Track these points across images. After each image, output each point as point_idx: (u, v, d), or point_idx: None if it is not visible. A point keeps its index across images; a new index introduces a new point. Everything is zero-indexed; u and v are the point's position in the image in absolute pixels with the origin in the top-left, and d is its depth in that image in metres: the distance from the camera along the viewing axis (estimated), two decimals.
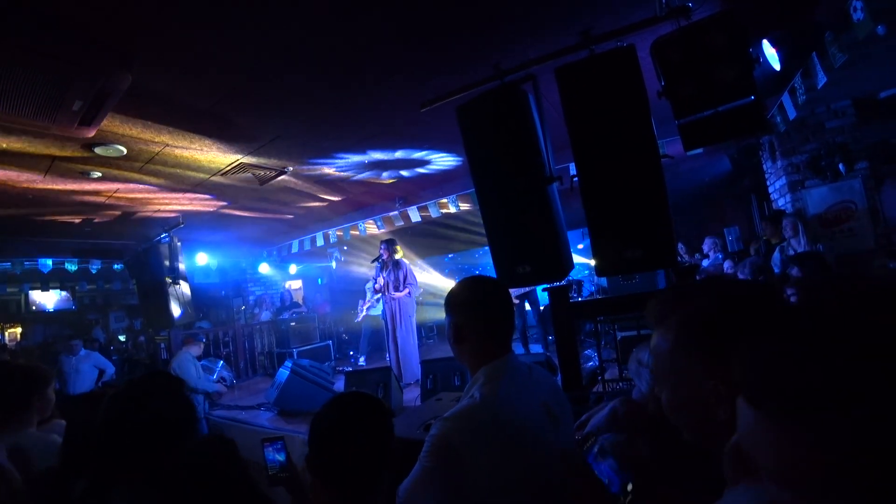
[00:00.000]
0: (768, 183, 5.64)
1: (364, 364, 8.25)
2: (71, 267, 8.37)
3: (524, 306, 7.09)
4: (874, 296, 0.48)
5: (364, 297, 8.86)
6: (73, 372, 6.78)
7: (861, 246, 4.63)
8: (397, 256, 6.44)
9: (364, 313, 8.63)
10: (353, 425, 1.20)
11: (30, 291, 11.95)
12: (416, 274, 6.65)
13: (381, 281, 6.36)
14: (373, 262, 6.65)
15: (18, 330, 12.04)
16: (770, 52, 3.40)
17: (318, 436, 1.20)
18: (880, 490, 0.42)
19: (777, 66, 3.46)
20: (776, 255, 4.78)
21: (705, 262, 6.52)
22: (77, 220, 6.42)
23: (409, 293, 6.27)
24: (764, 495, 0.53)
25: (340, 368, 7.98)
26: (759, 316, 0.70)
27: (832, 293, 0.51)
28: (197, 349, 6.25)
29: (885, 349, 0.43)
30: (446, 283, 10.99)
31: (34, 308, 12.14)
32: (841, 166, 4.68)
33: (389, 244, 6.39)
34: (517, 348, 7.06)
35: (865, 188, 4.65)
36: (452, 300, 1.46)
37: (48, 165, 4.26)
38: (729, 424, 0.56)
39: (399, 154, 5.24)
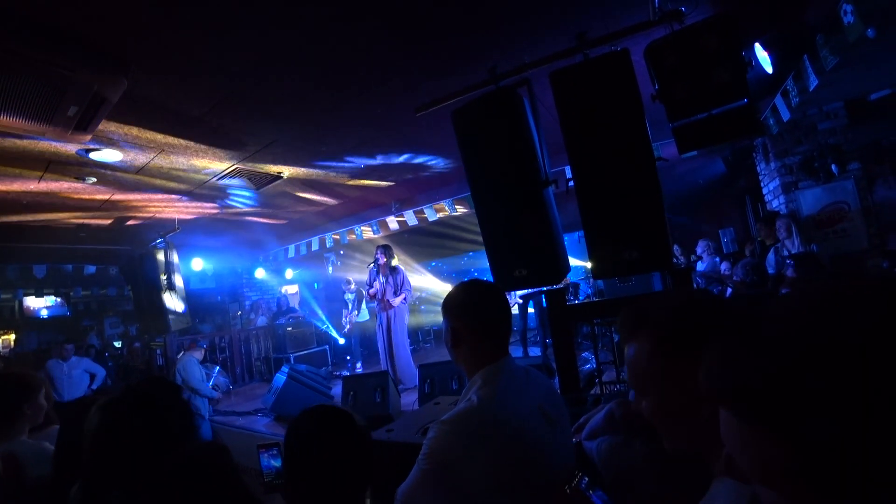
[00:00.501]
0: (762, 184, 5.68)
1: (361, 369, 8.24)
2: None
3: (526, 308, 7.08)
4: (865, 293, 0.48)
5: (346, 307, 8.88)
6: (64, 378, 6.73)
7: (855, 246, 4.67)
8: (394, 262, 6.43)
9: (350, 325, 8.66)
10: (321, 441, 1.17)
11: (24, 297, 11.87)
12: (411, 278, 6.67)
13: (376, 286, 6.35)
14: (368, 266, 6.64)
15: (12, 336, 11.95)
16: (762, 55, 3.44)
17: (288, 452, 1.19)
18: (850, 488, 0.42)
19: (769, 69, 3.49)
20: (770, 256, 4.82)
21: (700, 265, 6.53)
22: (72, 225, 6.39)
23: (404, 299, 6.26)
24: (745, 490, 0.52)
25: (337, 373, 7.97)
26: (727, 318, 0.74)
27: (822, 290, 0.50)
28: (199, 354, 6.26)
29: (835, 348, 0.43)
30: (443, 287, 11.00)
31: (28, 314, 12.05)
32: (833, 167, 4.72)
33: (386, 250, 6.38)
34: (516, 351, 7.07)
35: (858, 189, 4.69)
36: (449, 304, 1.47)
37: (43, 171, 4.24)
38: (712, 423, 0.56)
39: (395, 158, 5.25)
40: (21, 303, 11.90)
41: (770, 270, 4.54)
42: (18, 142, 3.56)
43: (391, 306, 6.17)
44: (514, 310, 7.36)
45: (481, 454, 1.19)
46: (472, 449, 1.19)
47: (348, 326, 8.70)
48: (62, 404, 5.80)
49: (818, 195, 4.86)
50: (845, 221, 4.74)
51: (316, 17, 2.59)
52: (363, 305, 8.87)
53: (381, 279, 6.28)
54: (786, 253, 4.50)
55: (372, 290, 6.42)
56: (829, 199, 4.82)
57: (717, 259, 6.46)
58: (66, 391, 6.68)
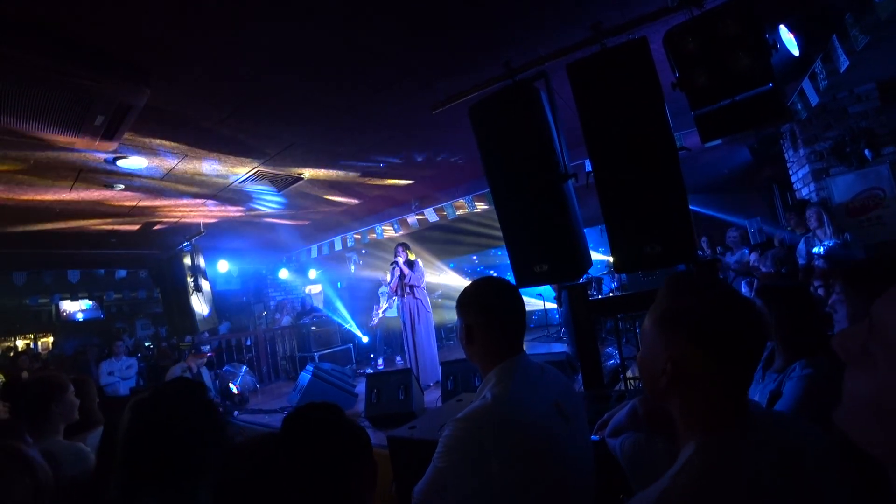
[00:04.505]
0: (791, 172, 5.50)
1: (382, 366, 8.31)
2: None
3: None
4: None
5: (378, 303, 8.95)
6: (126, 371, 7.10)
7: (891, 234, 4.48)
8: (412, 258, 6.52)
9: (380, 316, 8.72)
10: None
11: (60, 301, 12.31)
12: (433, 276, 6.74)
13: (394, 283, 6.48)
14: (391, 264, 6.73)
15: (50, 339, 12.41)
16: (788, 37, 3.32)
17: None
18: None
19: (796, 52, 3.37)
20: (801, 246, 4.66)
21: (729, 257, 6.36)
22: (103, 231, 6.60)
23: (423, 292, 6.38)
24: None
25: (361, 371, 8.04)
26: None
27: None
28: (197, 362, 6.31)
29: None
30: (465, 284, 10.99)
31: (64, 317, 12.51)
32: (867, 152, 4.53)
33: (405, 246, 6.49)
34: (539, 347, 7.03)
35: (893, 174, 4.49)
36: (463, 301, 1.46)
37: (74, 180, 4.39)
38: (667, 390, 0.88)
39: (413, 156, 5.26)
40: (57, 307, 12.34)
41: (800, 261, 4.40)
42: (51, 153, 3.68)
43: (415, 296, 6.29)
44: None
45: (496, 451, 1.18)
46: (486, 446, 1.19)
47: (376, 320, 8.78)
48: (120, 399, 6.13)
49: (851, 182, 4.68)
50: (880, 208, 4.55)
51: (328, 22, 2.61)
52: (394, 302, 8.99)
53: (403, 272, 6.40)
54: (816, 243, 4.35)
55: (393, 284, 6.54)
56: (862, 186, 4.63)
57: (746, 250, 6.28)
58: (122, 386, 7.02)
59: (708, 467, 0.77)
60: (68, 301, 12.40)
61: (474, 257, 13.40)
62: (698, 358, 0.84)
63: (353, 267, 11.85)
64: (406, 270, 6.36)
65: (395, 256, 6.45)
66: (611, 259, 7.88)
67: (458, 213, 6.98)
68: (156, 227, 6.76)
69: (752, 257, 5.77)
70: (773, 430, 0.84)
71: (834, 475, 0.79)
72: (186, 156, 4.22)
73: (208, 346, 6.97)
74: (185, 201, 5.69)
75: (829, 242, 4.16)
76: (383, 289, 9.07)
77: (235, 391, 6.64)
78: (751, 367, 0.88)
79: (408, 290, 6.36)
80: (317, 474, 1.01)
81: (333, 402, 1.16)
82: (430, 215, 7.12)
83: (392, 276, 6.58)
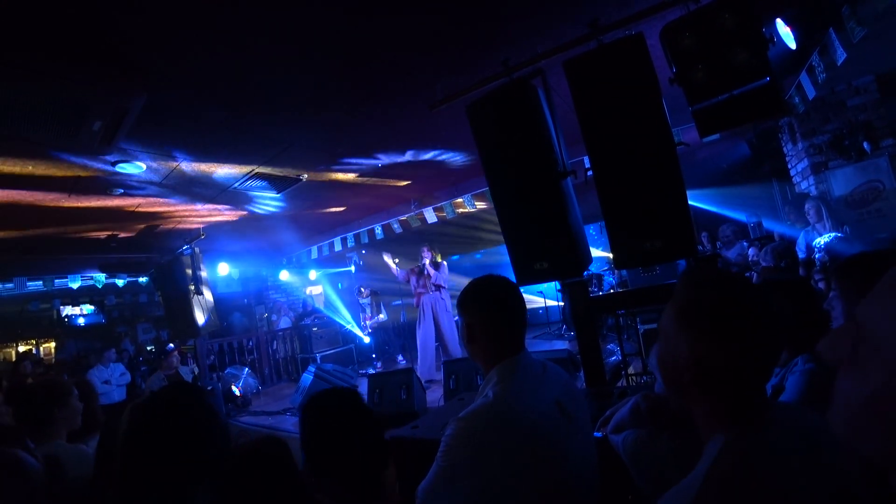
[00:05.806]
0: (790, 166, 5.50)
1: (380, 367, 8.36)
2: (99, 280, 8.61)
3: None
4: None
5: (363, 312, 8.97)
6: (113, 380, 7.10)
7: (891, 226, 4.49)
8: (437, 258, 6.70)
9: (369, 329, 8.79)
10: (332, 419, 1.29)
11: (61, 306, 12.31)
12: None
13: (403, 276, 6.68)
14: (396, 261, 6.90)
15: (52, 344, 12.40)
16: (784, 30, 3.32)
17: (306, 439, 1.28)
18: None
19: (792, 45, 3.37)
20: (800, 239, 4.66)
21: (728, 252, 6.36)
22: (102, 236, 6.60)
23: (447, 292, 6.64)
24: None
25: (363, 372, 8.05)
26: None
27: None
28: (172, 361, 6.42)
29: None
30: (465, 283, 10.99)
31: (66, 322, 12.50)
32: (865, 145, 4.53)
33: (430, 246, 6.71)
34: (541, 345, 7.04)
35: (893, 166, 4.50)
36: (464, 300, 1.46)
37: (73, 184, 4.38)
38: (690, 385, 0.87)
39: (412, 156, 5.26)
40: (59, 311, 12.34)
41: (800, 255, 4.40)
42: (49, 158, 3.68)
43: (442, 296, 6.55)
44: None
45: (497, 450, 1.19)
46: (488, 444, 1.19)
47: (368, 330, 8.86)
48: (111, 407, 6.15)
49: (850, 175, 4.68)
50: (880, 201, 4.56)
51: (325, 22, 2.60)
52: (381, 307, 9.08)
53: (430, 273, 6.59)
54: (815, 236, 4.35)
55: (404, 275, 6.79)
56: (861, 179, 4.63)
57: (745, 243, 6.28)
58: (116, 393, 7.02)
59: (745, 456, 0.77)
60: (69, 306, 12.41)
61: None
62: (722, 350, 0.85)
63: (353, 267, 11.85)
64: (432, 271, 6.48)
65: (422, 258, 6.59)
66: (611, 255, 7.87)
67: (457, 212, 7.00)
68: (156, 231, 6.76)
69: (752, 251, 5.77)
70: (789, 418, 0.86)
71: (849, 456, 0.79)
72: (185, 159, 4.22)
73: (172, 346, 7.05)
74: (184, 204, 5.69)
75: (828, 236, 4.16)
76: (363, 299, 9.13)
77: (238, 393, 6.64)
78: (773, 358, 0.88)
79: (433, 288, 6.50)
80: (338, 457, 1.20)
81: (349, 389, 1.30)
82: (430, 215, 7.13)
83: (402, 273, 6.74)
